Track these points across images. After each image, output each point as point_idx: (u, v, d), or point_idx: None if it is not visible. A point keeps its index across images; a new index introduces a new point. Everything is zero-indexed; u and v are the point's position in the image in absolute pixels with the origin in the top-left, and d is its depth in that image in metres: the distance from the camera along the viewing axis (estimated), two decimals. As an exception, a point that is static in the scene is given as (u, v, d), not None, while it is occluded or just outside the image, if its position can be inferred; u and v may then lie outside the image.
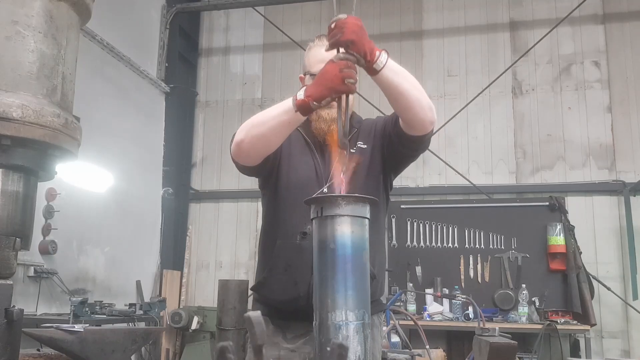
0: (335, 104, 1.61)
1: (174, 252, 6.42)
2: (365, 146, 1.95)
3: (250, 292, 1.94)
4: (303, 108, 1.57)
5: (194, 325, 5.56)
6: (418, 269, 5.67)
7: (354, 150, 1.90)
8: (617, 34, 6.06)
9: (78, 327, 1.45)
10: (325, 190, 1.85)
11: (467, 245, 5.65)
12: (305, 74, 1.95)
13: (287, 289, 1.82)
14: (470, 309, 5.09)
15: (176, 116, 6.61)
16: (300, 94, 1.58)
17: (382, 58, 1.65)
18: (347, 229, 1.23)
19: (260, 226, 2.09)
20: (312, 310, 1.79)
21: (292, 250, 1.84)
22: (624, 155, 5.83)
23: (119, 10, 5.65)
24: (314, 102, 1.55)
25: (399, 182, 6.93)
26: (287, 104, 1.62)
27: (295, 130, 1.91)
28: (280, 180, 1.89)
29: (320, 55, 1.83)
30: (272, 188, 1.94)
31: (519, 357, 4.73)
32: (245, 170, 1.87)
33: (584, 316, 5.07)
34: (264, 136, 1.70)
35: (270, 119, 1.68)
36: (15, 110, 1.12)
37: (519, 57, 6.14)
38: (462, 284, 5.54)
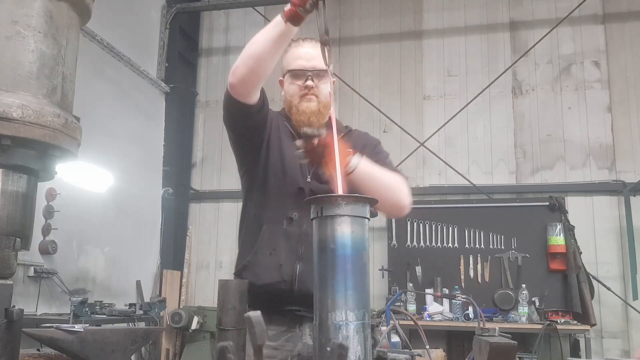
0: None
1: (174, 252, 6.42)
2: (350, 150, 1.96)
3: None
4: (291, 17, 1.63)
5: (194, 325, 5.56)
6: (418, 269, 5.67)
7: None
8: (617, 34, 6.06)
9: (78, 327, 1.45)
10: (309, 179, 1.90)
11: (467, 245, 5.65)
12: (284, 75, 2.00)
13: (272, 272, 1.84)
14: (470, 309, 5.09)
15: (176, 116, 6.61)
16: (287, 6, 1.64)
17: (353, 163, 1.69)
18: (347, 229, 1.22)
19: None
20: (294, 297, 1.81)
21: (278, 235, 1.86)
22: (624, 155, 5.83)
23: (119, 10, 5.65)
24: (300, 8, 1.59)
25: (399, 182, 6.87)
26: (277, 18, 1.69)
27: (282, 122, 1.97)
28: (268, 165, 1.90)
29: (297, 53, 1.94)
30: (258, 172, 1.95)
31: (519, 357, 4.73)
32: (237, 115, 1.86)
33: (584, 316, 5.07)
34: (257, 55, 1.74)
35: (263, 35, 1.74)
36: (15, 110, 1.12)
37: (519, 57, 6.14)
38: (462, 284, 5.54)
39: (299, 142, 1.62)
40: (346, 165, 1.66)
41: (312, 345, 1.87)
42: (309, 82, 1.91)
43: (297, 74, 1.93)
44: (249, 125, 1.91)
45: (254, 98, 1.82)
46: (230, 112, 1.88)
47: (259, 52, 1.74)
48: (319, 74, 1.92)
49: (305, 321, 1.88)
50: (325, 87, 1.93)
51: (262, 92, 1.89)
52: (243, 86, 1.80)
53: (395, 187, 1.84)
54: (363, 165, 1.71)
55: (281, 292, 1.82)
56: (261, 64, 1.76)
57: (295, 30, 1.70)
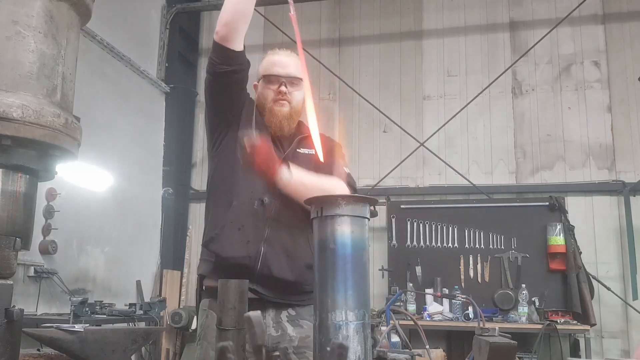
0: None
1: (174, 252, 6.42)
2: (314, 153, 2.01)
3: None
4: None
5: (194, 325, 5.56)
6: (418, 269, 5.67)
7: (301, 151, 2.04)
8: (617, 34, 6.06)
9: (78, 327, 1.45)
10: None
11: (467, 245, 5.65)
12: (258, 80, 2.11)
13: (238, 247, 1.90)
14: (470, 309, 5.09)
15: (176, 116, 6.61)
16: None
17: (285, 178, 1.82)
18: (347, 229, 1.23)
19: None
20: (255, 275, 1.88)
21: (248, 214, 1.92)
22: (624, 155, 5.83)
23: (119, 10, 5.65)
24: None
25: (399, 182, 6.94)
26: None
27: (257, 114, 2.05)
28: (240, 142, 1.92)
29: (273, 60, 2.07)
30: (230, 148, 2.00)
31: (519, 357, 4.73)
32: (221, 69, 1.94)
33: (584, 316, 5.07)
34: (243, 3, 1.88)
35: None
36: (15, 110, 1.12)
37: (519, 57, 6.14)
38: (462, 284, 5.54)
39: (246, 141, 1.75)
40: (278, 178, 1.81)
41: (276, 337, 1.92)
42: (283, 88, 2.02)
43: (272, 79, 2.05)
44: (230, 86, 1.99)
45: (239, 44, 1.92)
46: (214, 64, 1.95)
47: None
48: (292, 81, 2.04)
49: (269, 307, 1.92)
50: (298, 94, 2.04)
51: (244, 54, 1.99)
52: (228, 29, 1.90)
53: (330, 191, 1.86)
54: (296, 177, 1.83)
55: (245, 267, 1.87)
56: (242, 3, 1.89)
57: None
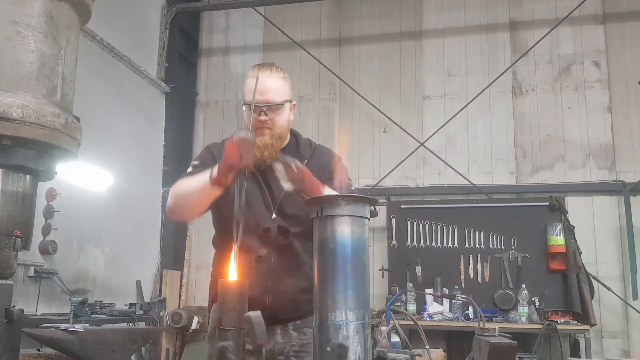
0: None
1: (174, 252, 6.42)
2: None
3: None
4: (216, 182, 1.75)
5: (194, 325, 5.56)
6: (418, 269, 5.67)
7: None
8: (617, 34, 6.06)
9: (78, 327, 1.45)
10: (274, 215, 1.99)
11: (467, 245, 5.65)
12: (242, 104, 2.07)
13: None
14: (470, 309, 5.09)
15: (176, 116, 6.60)
16: (214, 170, 1.75)
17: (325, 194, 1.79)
18: (347, 229, 1.23)
19: None
20: (263, 316, 1.89)
21: (248, 270, 1.88)
22: (624, 155, 5.83)
23: (119, 10, 5.64)
24: (223, 177, 1.72)
25: (399, 182, 6.94)
26: (205, 178, 1.79)
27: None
28: (229, 203, 1.86)
29: (250, 85, 1.97)
30: (222, 214, 2.03)
31: (519, 357, 4.73)
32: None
33: (584, 316, 5.07)
34: (189, 205, 1.94)
35: (193, 191, 1.87)
36: (15, 110, 1.12)
37: (519, 57, 6.14)
38: (462, 284, 5.54)
39: (279, 167, 1.75)
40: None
41: (282, 342, 2.00)
42: (262, 117, 1.96)
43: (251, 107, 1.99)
44: None
45: (192, 219, 1.97)
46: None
47: (192, 204, 1.93)
48: (271, 108, 1.98)
49: (277, 324, 2.01)
50: (281, 118, 2.01)
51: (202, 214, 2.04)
52: (176, 217, 2.01)
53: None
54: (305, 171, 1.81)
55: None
56: (195, 211, 1.98)
57: (220, 191, 1.81)
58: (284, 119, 2.02)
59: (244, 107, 2.01)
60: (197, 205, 1.94)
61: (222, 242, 2.11)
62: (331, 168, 2.01)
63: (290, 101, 2.06)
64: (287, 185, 1.76)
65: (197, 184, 1.85)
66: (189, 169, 2.05)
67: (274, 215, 1.99)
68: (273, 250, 1.96)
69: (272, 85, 1.99)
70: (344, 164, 2.05)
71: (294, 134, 2.14)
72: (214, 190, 1.78)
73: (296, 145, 2.10)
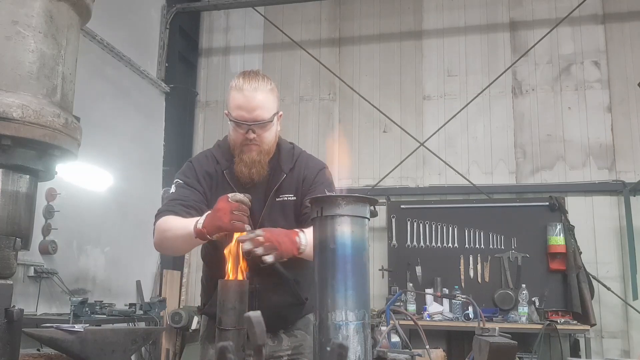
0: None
1: (174, 252, 6.42)
2: (294, 198, 1.98)
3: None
4: (201, 236, 1.69)
5: (194, 325, 5.57)
6: (418, 269, 5.67)
7: (279, 199, 1.96)
8: (617, 34, 6.06)
9: (78, 327, 1.45)
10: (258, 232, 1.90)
11: (467, 245, 5.65)
12: (227, 112, 1.97)
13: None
14: (470, 309, 5.09)
15: (176, 116, 6.61)
16: (200, 223, 1.68)
17: (302, 244, 1.71)
18: (347, 229, 1.22)
19: None
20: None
21: None
22: (624, 155, 5.83)
23: (119, 10, 5.64)
24: (208, 235, 1.66)
25: (399, 182, 6.93)
26: (190, 227, 1.72)
27: (221, 176, 1.98)
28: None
29: (238, 100, 1.88)
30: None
31: (519, 357, 4.73)
32: None
33: (584, 316, 5.07)
34: (174, 248, 1.94)
35: (177, 237, 1.82)
36: (15, 110, 1.12)
37: (519, 57, 6.14)
38: (462, 284, 5.54)
39: (247, 247, 1.58)
40: (297, 249, 1.70)
41: (272, 346, 1.98)
42: (250, 135, 1.88)
43: (239, 124, 1.90)
44: None
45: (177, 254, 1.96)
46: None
47: (176, 247, 1.91)
48: (260, 124, 1.89)
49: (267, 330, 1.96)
50: (268, 135, 1.93)
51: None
52: (163, 253, 2.01)
53: None
54: (309, 238, 1.69)
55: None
56: (173, 249, 1.97)
57: (204, 242, 1.78)
58: (272, 134, 1.95)
59: (230, 121, 1.92)
60: (182, 249, 1.94)
61: (208, 259, 2.06)
62: (310, 182, 1.96)
63: (277, 112, 1.96)
64: (269, 258, 1.62)
65: (181, 231, 1.78)
66: (172, 189, 1.96)
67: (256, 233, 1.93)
68: (256, 270, 1.82)
69: (260, 101, 1.87)
70: (328, 171, 1.99)
71: (277, 144, 2.03)
72: (197, 241, 1.73)
73: (278, 158, 2.00)
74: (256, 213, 1.90)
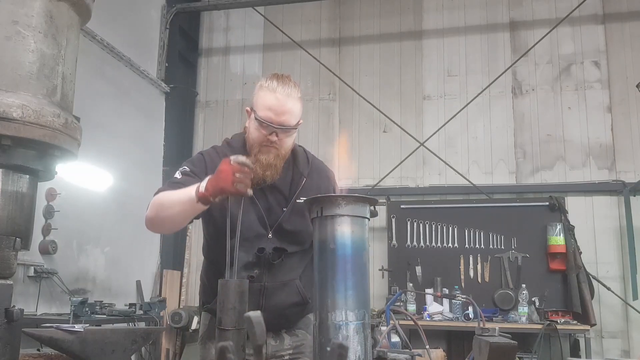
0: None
1: (174, 252, 6.42)
2: None
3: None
4: (203, 200, 1.67)
5: (194, 325, 5.56)
6: (418, 269, 5.67)
7: (299, 201, 1.95)
8: (617, 34, 6.06)
9: (78, 327, 1.45)
10: (271, 235, 1.93)
11: (467, 245, 5.64)
12: (251, 109, 1.95)
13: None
14: (470, 309, 5.09)
15: (176, 116, 6.61)
16: (202, 186, 1.67)
17: None
18: (347, 229, 1.23)
19: None
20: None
21: None
22: (624, 155, 5.83)
23: (119, 10, 5.64)
24: (211, 197, 1.65)
25: (399, 182, 6.93)
26: (191, 193, 1.70)
27: None
28: (224, 226, 1.77)
29: (269, 101, 1.88)
30: (214, 225, 1.95)
31: (519, 357, 4.73)
32: None
33: (584, 316, 5.07)
34: (170, 218, 1.85)
35: (176, 204, 1.79)
36: (15, 110, 1.12)
37: (519, 57, 6.14)
38: (462, 284, 5.54)
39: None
40: None
41: (274, 345, 1.99)
42: (273, 138, 1.88)
43: (264, 125, 1.88)
44: None
45: (170, 233, 1.92)
46: None
47: (173, 218, 1.85)
48: (285, 130, 1.89)
49: (268, 330, 1.97)
50: (289, 140, 1.94)
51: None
52: (154, 228, 1.97)
53: None
54: None
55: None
56: (175, 226, 1.91)
57: (205, 208, 1.74)
58: (292, 140, 1.97)
59: (255, 119, 1.89)
60: (179, 219, 1.85)
61: (212, 255, 2.03)
62: (325, 191, 1.95)
63: (300, 120, 1.97)
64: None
65: (181, 197, 1.76)
66: (177, 175, 1.93)
67: (269, 235, 1.93)
68: (265, 269, 1.91)
69: (290, 107, 1.89)
70: (334, 177, 2.03)
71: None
72: (198, 206, 1.70)
73: (294, 162, 2.02)
74: (274, 215, 1.93)
